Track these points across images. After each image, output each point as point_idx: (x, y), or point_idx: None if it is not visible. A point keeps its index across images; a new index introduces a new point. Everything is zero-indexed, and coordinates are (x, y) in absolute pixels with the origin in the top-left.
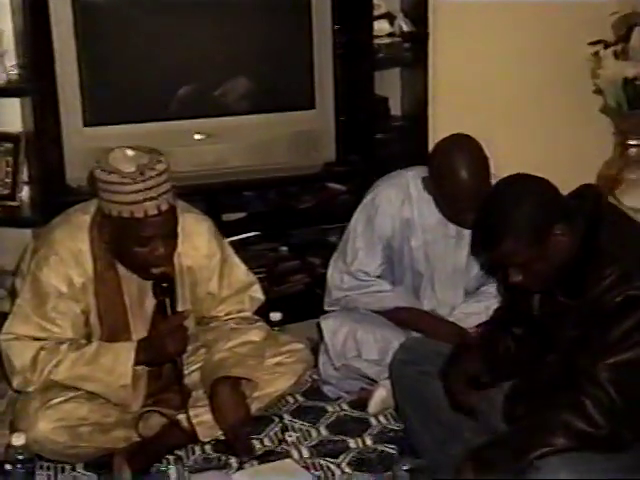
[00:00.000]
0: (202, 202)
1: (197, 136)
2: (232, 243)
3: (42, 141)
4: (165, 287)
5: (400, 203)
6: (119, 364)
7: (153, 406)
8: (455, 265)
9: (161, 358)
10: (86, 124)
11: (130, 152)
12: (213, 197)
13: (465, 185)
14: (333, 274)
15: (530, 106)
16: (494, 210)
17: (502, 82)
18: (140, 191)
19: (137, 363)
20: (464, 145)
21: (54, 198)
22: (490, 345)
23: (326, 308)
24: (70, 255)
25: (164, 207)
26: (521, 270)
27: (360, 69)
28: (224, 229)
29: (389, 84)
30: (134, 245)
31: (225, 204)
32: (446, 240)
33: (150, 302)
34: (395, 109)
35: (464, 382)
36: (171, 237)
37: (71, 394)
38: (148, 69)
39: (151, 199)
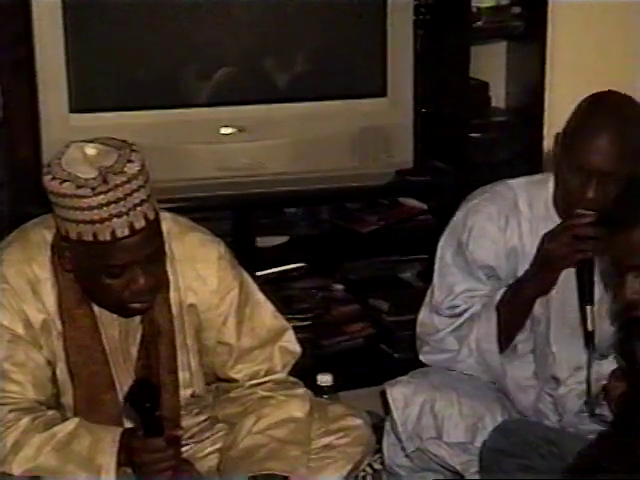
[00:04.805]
0: (229, 221)
1: (225, 130)
2: (268, 277)
3: (12, 132)
4: (148, 407)
5: (504, 223)
6: (98, 452)
7: None
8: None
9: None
10: (73, 109)
11: (91, 150)
12: (244, 214)
13: (600, 158)
14: (423, 320)
15: None
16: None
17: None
18: (103, 206)
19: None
20: (616, 103)
21: (28, 209)
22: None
23: (424, 361)
24: (24, 284)
25: (139, 224)
26: None
27: (451, 42)
28: (258, 258)
29: (490, 64)
30: (103, 276)
31: (260, 224)
32: (571, 273)
33: (137, 348)
34: (498, 99)
35: None
36: (155, 262)
37: None
38: (159, 38)
39: (120, 215)
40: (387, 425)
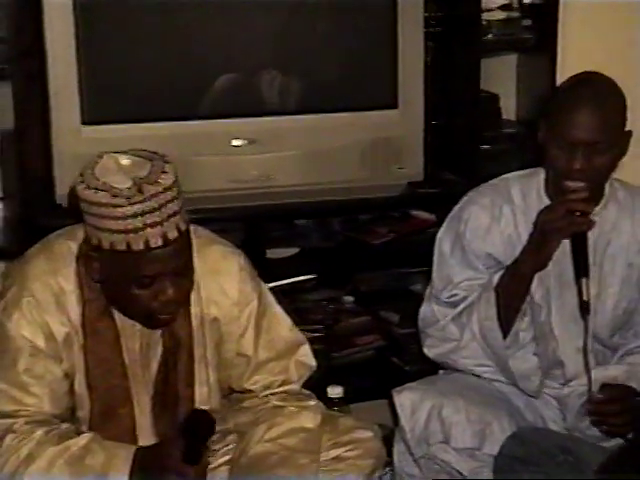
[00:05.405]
0: (240, 232)
1: (235, 142)
2: (278, 289)
3: (23, 143)
4: (200, 438)
5: (498, 212)
6: (111, 469)
7: None
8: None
9: None
10: (85, 121)
11: (125, 160)
12: (255, 226)
13: (582, 129)
14: (424, 313)
15: None
16: None
17: None
18: (138, 215)
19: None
20: (592, 79)
21: (39, 220)
22: None
23: (429, 354)
24: (49, 296)
25: (172, 235)
26: None
27: (461, 55)
28: (268, 269)
29: (501, 76)
30: (133, 286)
31: (271, 236)
32: (567, 260)
33: (157, 361)
34: (508, 111)
35: None
36: (184, 274)
37: None
38: (171, 50)
39: (154, 225)
40: (397, 434)
